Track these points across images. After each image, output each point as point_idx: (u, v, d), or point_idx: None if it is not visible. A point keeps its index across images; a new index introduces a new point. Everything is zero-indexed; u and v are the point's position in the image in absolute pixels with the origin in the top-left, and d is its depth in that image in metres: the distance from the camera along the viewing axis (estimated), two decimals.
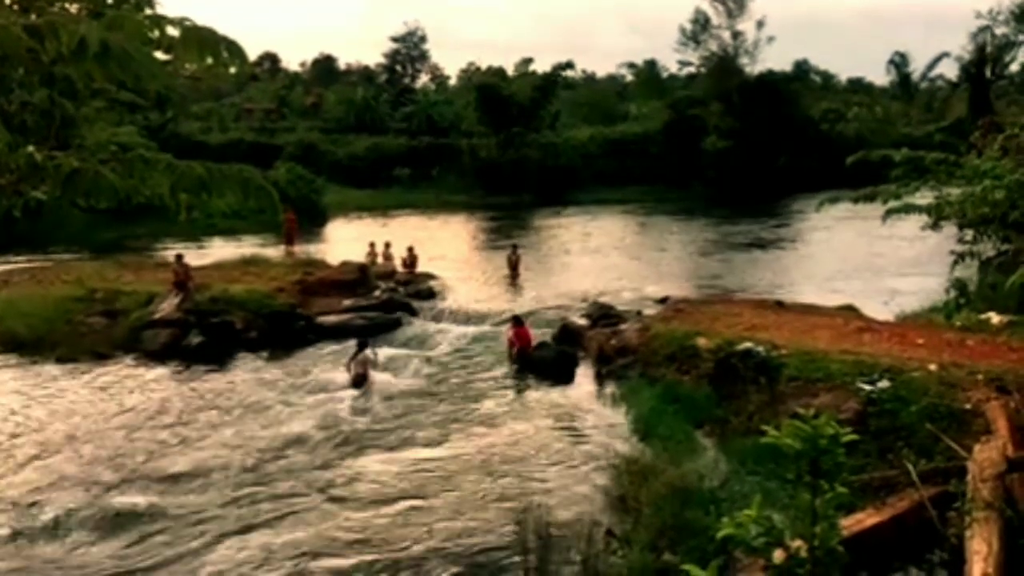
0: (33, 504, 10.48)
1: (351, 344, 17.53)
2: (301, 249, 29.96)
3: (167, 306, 18.52)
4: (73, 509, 10.31)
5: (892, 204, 16.87)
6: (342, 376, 15.60)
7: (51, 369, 16.42)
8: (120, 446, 12.40)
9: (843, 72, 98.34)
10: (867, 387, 11.20)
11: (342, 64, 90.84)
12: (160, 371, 16.42)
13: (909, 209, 16.86)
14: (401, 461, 11.74)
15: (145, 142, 36.35)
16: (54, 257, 29.41)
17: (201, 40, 4.72)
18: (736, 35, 59.44)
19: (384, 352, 16.81)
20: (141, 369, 16.56)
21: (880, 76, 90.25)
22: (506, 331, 16.99)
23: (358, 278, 21.46)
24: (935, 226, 16.88)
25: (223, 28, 4.85)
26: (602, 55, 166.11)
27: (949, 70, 71.93)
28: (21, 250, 29.47)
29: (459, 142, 56.30)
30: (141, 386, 15.53)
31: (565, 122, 62.92)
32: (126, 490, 10.88)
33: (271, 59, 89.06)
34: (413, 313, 19.87)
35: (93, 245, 31.56)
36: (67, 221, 32.87)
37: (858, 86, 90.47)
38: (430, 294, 21.40)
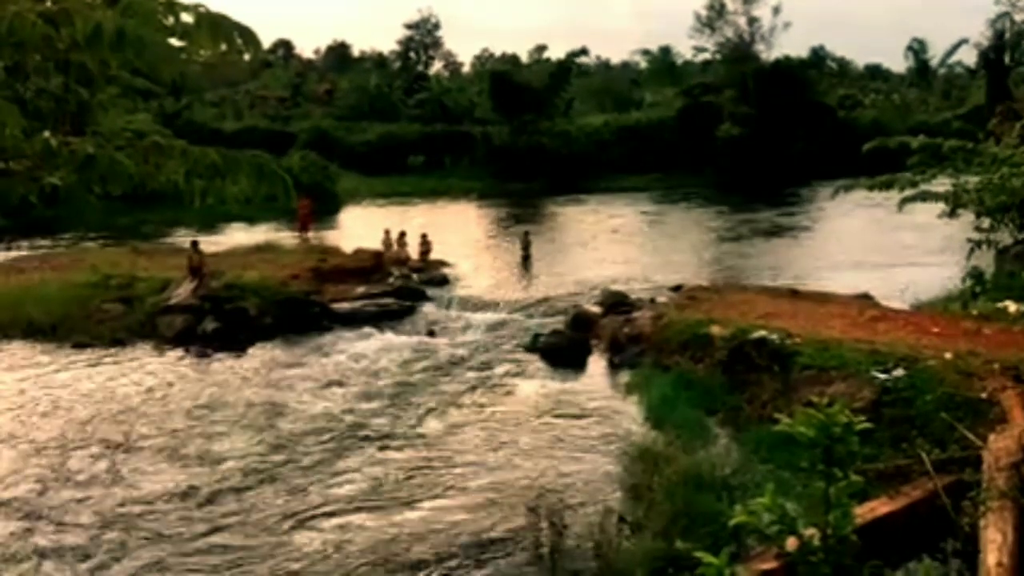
0: (52, 490, 10.59)
1: (366, 331, 17.71)
2: (315, 236, 30.03)
3: (182, 292, 18.63)
4: (90, 496, 10.42)
5: (909, 192, 16.75)
6: (356, 362, 15.69)
7: (67, 354, 16.55)
8: (138, 430, 12.50)
9: (860, 59, 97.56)
10: (882, 376, 11.15)
11: (356, 51, 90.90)
12: (176, 356, 16.54)
13: (926, 197, 16.74)
14: (413, 449, 11.80)
15: (160, 129, 36.42)
16: (70, 243, 29.61)
17: (215, 27, 4.72)
18: (752, 21, 58.91)
19: (396, 339, 16.88)
20: (157, 354, 16.68)
21: (898, 63, 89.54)
22: None
23: (372, 265, 21.52)
24: (952, 214, 16.75)
25: (237, 15, 4.85)
26: (616, 42, 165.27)
27: (968, 57, 71.15)
28: (37, 236, 29.69)
29: (473, 129, 56.19)
30: (157, 371, 15.65)
31: (579, 109, 62.71)
32: (145, 474, 10.98)
33: (285, 46, 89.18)
34: (427, 300, 19.90)
35: (108, 231, 31.74)
36: (82, 207, 33.02)
37: (875, 73, 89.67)
38: (443, 281, 21.43)
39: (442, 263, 23.13)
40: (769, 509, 3.70)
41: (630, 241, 31.38)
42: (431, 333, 17.38)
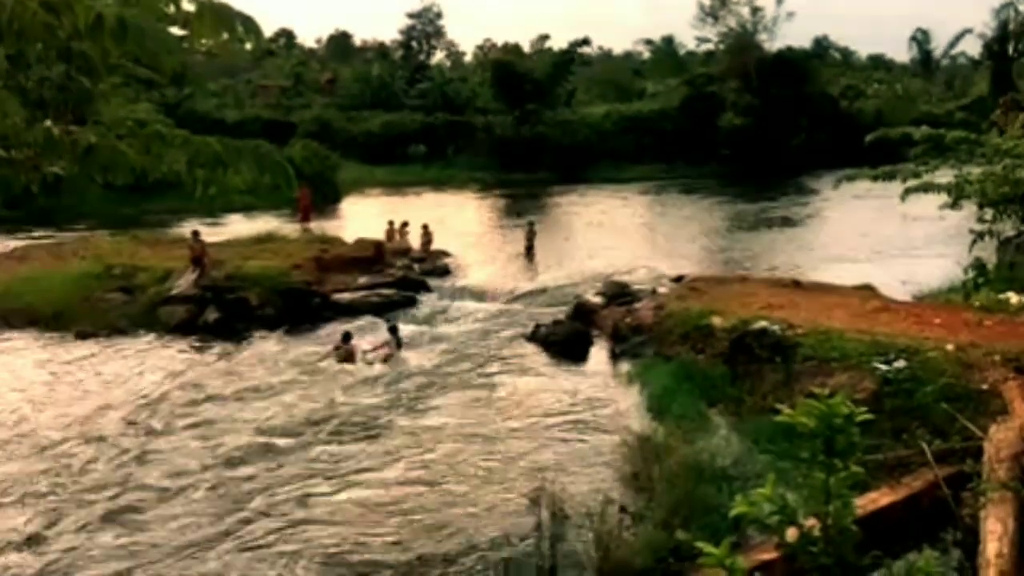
0: (51, 481, 10.62)
1: (368, 320, 17.69)
2: (317, 226, 30.02)
3: (184, 282, 18.64)
4: (92, 487, 10.46)
5: (911, 183, 16.70)
6: (364, 354, 15.72)
7: (70, 344, 16.59)
8: (139, 421, 12.53)
9: (863, 49, 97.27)
10: (883, 367, 11.16)
11: (357, 40, 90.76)
12: (177, 347, 16.55)
13: (928, 188, 16.68)
14: (415, 439, 11.80)
15: (162, 118, 36.38)
16: (72, 233, 29.62)
17: (216, 16, 4.69)
18: (755, 11, 58.80)
19: (400, 330, 16.87)
20: (159, 344, 16.70)
21: (901, 53, 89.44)
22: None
23: (373, 255, 21.52)
24: (954, 205, 16.70)
25: (238, 3, 4.83)
26: (619, 31, 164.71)
27: (971, 47, 71.09)
28: (39, 226, 29.70)
29: (475, 119, 56.11)
30: (159, 361, 15.66)
31: (581, 99, 62.60)
32: (144, 464, 11.01)
33: (287, 35, 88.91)
34: (428, 290, 19.91)
35: (110, 221, 31.75)
36: (85, 197, 33.03)
37: (879, 63, 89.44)
38: (445, 271, 21.45)
39: (444, 253, 23.12)
40: (770, 500, 3.71)
41: (632, 232, 31.37)
42: (392, 330, 16.50)
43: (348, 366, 15.06)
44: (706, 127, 52.45)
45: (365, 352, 15.71)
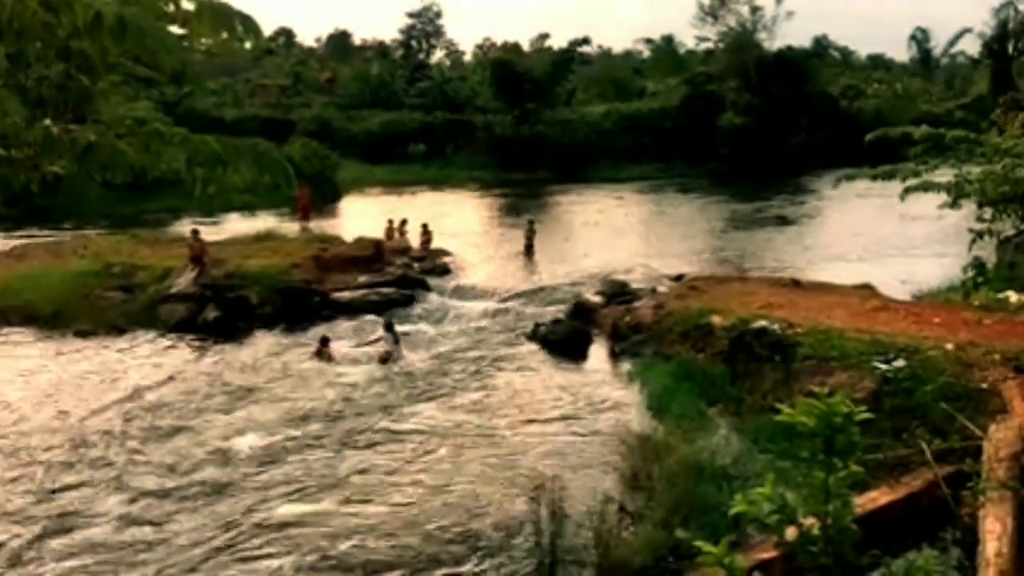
0: (50, 479, 10.61)
1: (367, 319, 17.68)
2: (316, 225, 29.99)
3: (184, 281, 18.63)
4: (91, 484, 10.45)
5: (911, 182, 16.70)
6: (359, 352, 15.71)
7: (69, 342, 16.57)
8: (138, 420, 12.52)
9: (863, 48, 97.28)
10: (883, 366, 11.16)
11: (357, 39, 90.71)
12: (177, 345, 16.55)
13: (928, 187, 16.68)
14: (415, 438, 11.81)
15: (161, 117, 36.31)
16: (71, 231, 29.60)
17: (216, 14, 4.69)
18: (755, 10, 58.68)
19: (399, 328, 16.86)
20: (158, 343, 16.70)
21: (901, 52, 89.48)
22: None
23: (373, 254, 21.49)
24: (954, 204, 16.71)
25: (238, 2, 4.83)
26: (619, 30, 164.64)
27: (971, 46, 71.05)
28: (38, 225, 29.68)
29: (474, 118, 56.02)
30: (158, 360, 15.66)
31: (581, 98, 62.49)
32: (143, 466, 11.00)
33: (286, 34, 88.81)
34: (428, 289, 19.89)
35: (110, 220, 31.73)
36: (84, 196, 32.96)
37: (878, 62, 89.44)
38: (444, 270, 21.41)
39: (443, 252, 23.09)
40: (769, 499, 3.71)
41: (631, 231, 31.35)
42: (388, 327, 16.21)
43: (332, 367, 15.03)
44: (706, 126, 52.40)
45: (358, 345, 15.72)
